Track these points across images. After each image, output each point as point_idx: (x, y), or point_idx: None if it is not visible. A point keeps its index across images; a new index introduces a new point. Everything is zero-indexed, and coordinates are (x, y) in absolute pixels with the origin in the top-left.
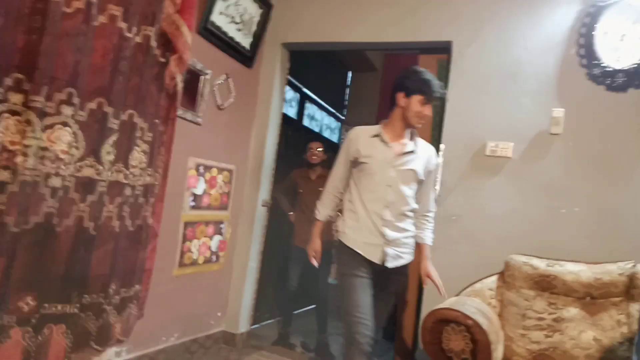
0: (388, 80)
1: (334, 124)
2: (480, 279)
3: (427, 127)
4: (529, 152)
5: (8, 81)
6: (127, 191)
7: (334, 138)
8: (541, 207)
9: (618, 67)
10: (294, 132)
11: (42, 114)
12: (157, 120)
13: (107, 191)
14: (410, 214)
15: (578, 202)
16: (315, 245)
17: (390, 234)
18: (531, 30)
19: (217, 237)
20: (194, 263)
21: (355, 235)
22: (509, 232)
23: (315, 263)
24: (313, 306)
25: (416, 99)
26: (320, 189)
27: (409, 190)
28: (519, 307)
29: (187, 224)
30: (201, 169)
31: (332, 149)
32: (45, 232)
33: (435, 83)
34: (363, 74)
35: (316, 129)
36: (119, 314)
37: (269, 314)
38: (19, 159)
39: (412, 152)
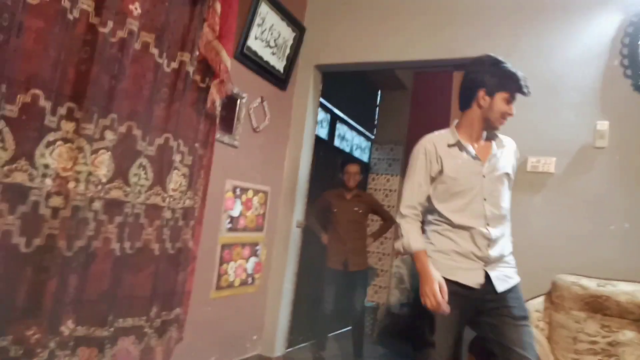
0: (418, 98)
1: (364, 143)
2: (527, 300)
3: None
4: (572, 166)
5: (61, 110)
6: (167, 214)
7: (365, 157)
8: (588, 224)
9: None
10: (325, 153)
11: (91, 140)
12: (196, 144)
13: (144, 214)
14: (509, 228)
15: (627, 218)
16: (437, 276)
17: (492, 253)
18: (570, 42)
19: (252, 259)
20: (230, 285)
21: (446, 259)
22: (555, 251)
23: (445, 308)
24: (349, 328)
25: (501, 96)
26: (355, 208)
27: (506, 201)
28: (569, 330)
29: (223, 246)
30: (238, 191)
31: (362, 167)
32: (85, 255)
33: (521, 75)
34: (392, 92)
35: (347, 149)
36: (160, 337)
37: (303, 337)
38: (70, 185)
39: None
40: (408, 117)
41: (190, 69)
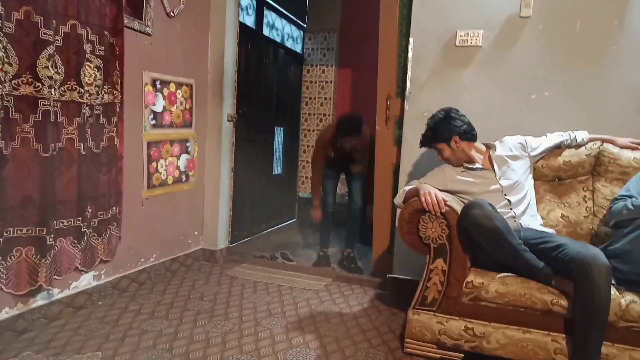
0: None
1: (295, 32)
2: None
3: (394, 22)
4: (499, 38)
5: None
6: (86, 111)
7: (297, 48)
8: (515, 95)
9: None
10: (254, 43)
11: None
12: (106, 32)
13: (61, 112)
14: None
15: (548, 87)
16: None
17: None
18: None
19: (184, 156)
20: (163, 184)
21: None
22: (484, 123)
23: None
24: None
25: None
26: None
27: None
28: None
29: (150, 144)
30: (158, 84)
31: (295, 60)
32: None
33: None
34: None
35: (278, 39)
36: (100, 236)
37: (247, 232)
38: None
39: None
40: (341, 1)
41: None
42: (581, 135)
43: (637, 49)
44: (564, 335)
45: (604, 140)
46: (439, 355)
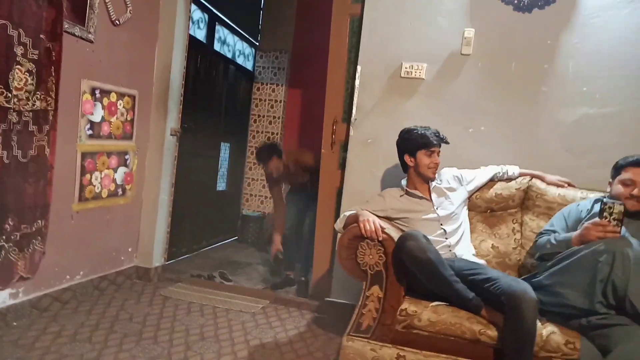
0: (304, 2)
1: (247, 49)
2: None
3: (343, 49)
4: (441, 73)
5: None
6: (13, 117)
7: (249, 65)
8: (454, 126)
9: None
10: (204, 57)
11: None
12: (42, 36)
13: None
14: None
15: (485, 121)
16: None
17: None
18: None
19: (122, 169)
20: (96, 197)
21: None
22: None
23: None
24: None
25: (421, 154)
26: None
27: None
28: None
29: (85, 155)
30: (97, 94)
31: (246, 76)
32: None
33: (430, 132)
34: None
35: (229, 55)
36: (21, 252)
37: (186, 249)
38: None
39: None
40: (294, 23)
41: None
42: (512, 169)
43: (565, 91)
44: None
45: (533, 176)
46: None
